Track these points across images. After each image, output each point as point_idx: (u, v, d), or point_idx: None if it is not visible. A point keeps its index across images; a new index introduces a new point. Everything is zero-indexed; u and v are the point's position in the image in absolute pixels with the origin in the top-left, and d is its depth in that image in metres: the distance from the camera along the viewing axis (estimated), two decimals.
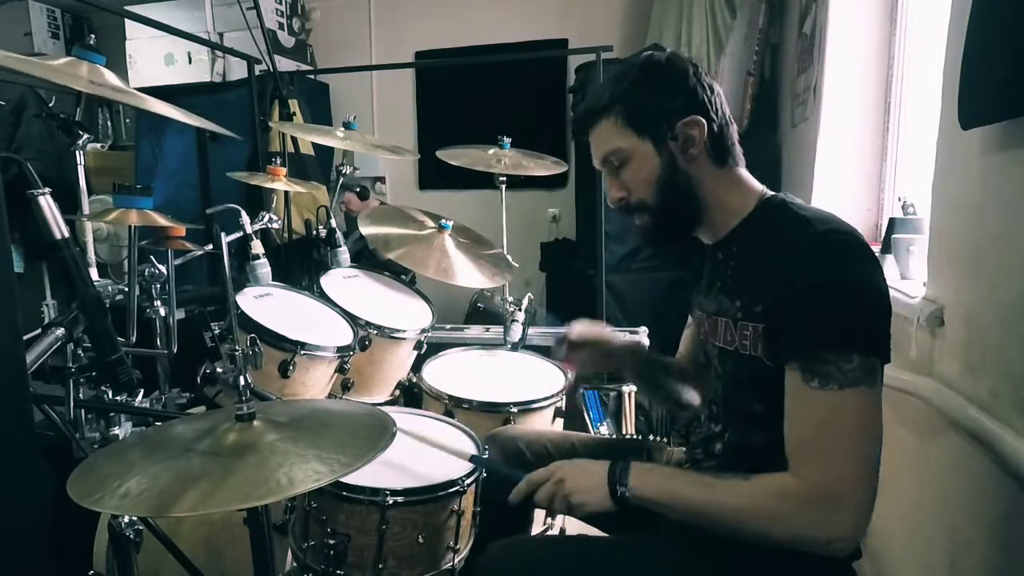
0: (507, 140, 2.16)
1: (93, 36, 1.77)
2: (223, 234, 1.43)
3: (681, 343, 1.33)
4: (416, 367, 1.86)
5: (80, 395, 1.19)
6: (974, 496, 1.18)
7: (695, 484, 0.95)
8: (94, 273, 1.50)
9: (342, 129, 2.02)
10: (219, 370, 1.41)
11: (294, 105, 3.22)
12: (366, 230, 1.89)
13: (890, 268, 1.70)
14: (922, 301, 1.37)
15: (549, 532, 1.73)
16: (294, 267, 2.58)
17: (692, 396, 1.30)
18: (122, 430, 1.26)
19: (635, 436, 2.27)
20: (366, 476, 1.16)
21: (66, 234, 1.06)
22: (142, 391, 1.29)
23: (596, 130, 1.06)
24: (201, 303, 1.60)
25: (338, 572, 1.21)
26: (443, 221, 1.95)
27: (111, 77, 1.19)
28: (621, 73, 1.05)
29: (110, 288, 1.36)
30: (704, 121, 1.00)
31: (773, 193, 1.04)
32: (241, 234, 1.67)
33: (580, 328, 1.32)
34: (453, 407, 1.64)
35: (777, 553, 0.88)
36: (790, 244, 0.93)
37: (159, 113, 1.21)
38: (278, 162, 2.08)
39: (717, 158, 1.02)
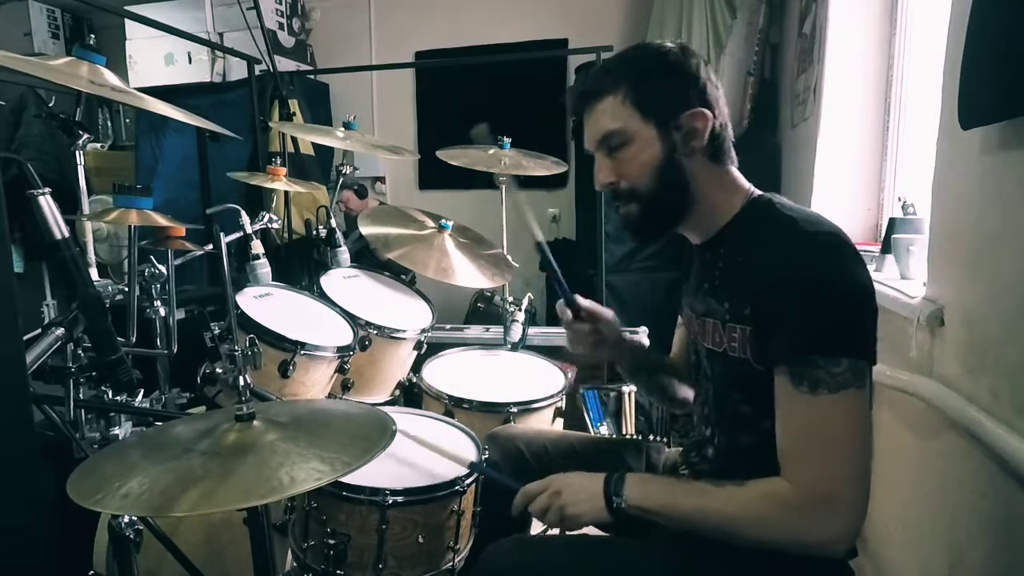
0: (507, 140, 2.16)
1: (93, 36, 1.77)
2: (223, 234, 1.42)
3: (673, 343, 1.33)
4: (416, 367, 1.86)
5: (80, 395, 1.19)
6: (974, 496, 1.17)
7: (690, 493, 0.95)
8: (94, 273, 1.50)
9: (342, 129, 2.02)
10: (219, 370, 1.41)
11: (294, 105, 3.22)
12: (366, 230, 1.89)
13: (890, 268, 1.69)
14: (922, 301, 1.37)
15: (549, 532, 1.73)
16: (294, 267, 2.58)
17: (686, 392, 1.30)
18: (122, 430, 1.26)
19: (635, 436, 2.27)
20: (366, 476, 1.16)
21: (66, 234, 1.06)
22: (142, 391, 1.29)
23: (598, 106, 1.01)
24: (201, 303, 1.60)
25: (338, 572, 1.21)
26: (443, 221, 1.95)
27: (111, 77, 1.19)
28: (631, 54, 1.02)
29: (110, 288, 1.36)
30: (711, 115, 0.98)
31: (760, 193, 1.03)
32: (241, 234, 1.67)
33: (587, 304, 1.26)
34: (453, 407, 1.64)
35: (774, 554, 0.89)
36: (777, 246, 0.92)
37: (159, 113, 1.21)
38: (278, 162, 2.09)
39: (714, 156, 1.01)
